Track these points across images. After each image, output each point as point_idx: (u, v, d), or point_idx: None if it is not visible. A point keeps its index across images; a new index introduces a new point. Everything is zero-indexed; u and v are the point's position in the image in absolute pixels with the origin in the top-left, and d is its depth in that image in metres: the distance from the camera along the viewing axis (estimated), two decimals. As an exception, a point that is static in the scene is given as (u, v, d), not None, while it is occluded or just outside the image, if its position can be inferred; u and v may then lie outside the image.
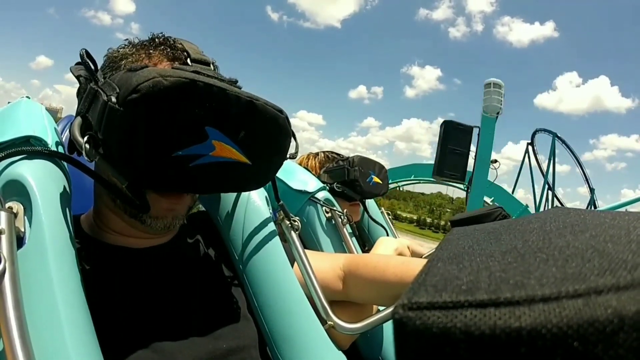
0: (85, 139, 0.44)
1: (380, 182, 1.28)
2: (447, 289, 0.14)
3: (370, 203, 1.43)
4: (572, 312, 0.11)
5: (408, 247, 0.97)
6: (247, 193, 0.69)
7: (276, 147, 0.53)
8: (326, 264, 0.71)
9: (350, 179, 1.17)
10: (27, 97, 0.63)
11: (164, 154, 0.43)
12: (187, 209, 0.58)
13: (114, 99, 0.41)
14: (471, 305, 0.13)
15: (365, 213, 1.36)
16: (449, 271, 0.16)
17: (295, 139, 0.60)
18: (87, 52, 0.48)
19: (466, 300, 0.13)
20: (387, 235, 1.40)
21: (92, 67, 0.49)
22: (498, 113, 3.46)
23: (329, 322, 0.62)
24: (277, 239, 0.67)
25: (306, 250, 0.68)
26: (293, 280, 0.63)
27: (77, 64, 0.52)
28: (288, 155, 0.59)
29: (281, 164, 0.57)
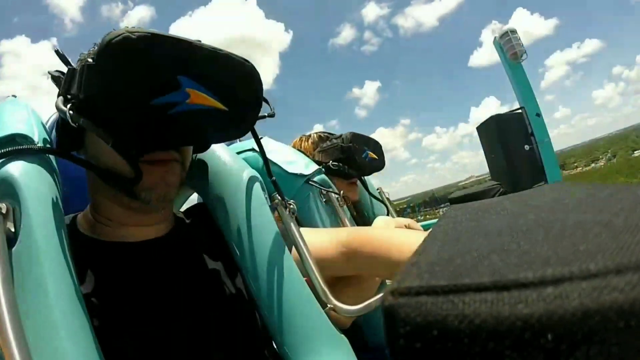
0: (69, 106, 0.47)
1: (376, 157, 1.27)
2: (442, 271, 0.12)
3: (369, 182, 1.42)
4: (591, 295, 0.10)
5: (406, 227, 0.96)
6: (241, 179, 0.68)
7: (247, 91, 0.55)
8: (328, 240, 0.70)
9: (345, 156, 1.16)
10: (14, 95, 0.63)
11: (142, 102, 0.46)
12: (179, 179, 0.58)
13: (90, 60, 0.45)
14: (470, 290, 0.11)
15: (365, 190, 1.35)
16: (446, 251, 0.14)
17: (268, 103, 0.63)
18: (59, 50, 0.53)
19: (464, 284, 0.11)
20: (387, 213, 1.39)
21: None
22: (522, 57, 3.26)
23: (329, 305, 0.61)
24: (273, 224, 0.66)
25: (308, 228, 0.67)
26: (291, 266, 0.62)
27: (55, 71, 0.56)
28: (266, 114, 0.63)
29: (258, 110, 0.58)
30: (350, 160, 1.17)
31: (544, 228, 0.16)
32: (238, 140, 1.07)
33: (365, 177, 1.37)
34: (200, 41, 0.51)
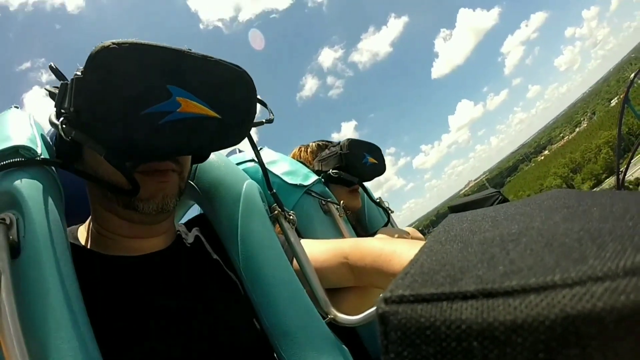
0: (61, 119, 0.48)
1: (376, 161, 1.26)
2: (432, 280, 0.13)
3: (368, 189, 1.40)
4: (571, 302, 0.10)
5: (409, 234, 0.96)
6: (241, 190, 0.68)
7: (240, 98, 0.55)
8: (328, 251, 0.69)
9: (345, 163, 1.15)
10: (16, 106, 0.63)
11: (133, 113, 0.46)
12: (178, 189, 0.58)
13: (79, 73, 0.46)
14: (457, 297, 0.11)
15: (368, 199, 1.33)
16: (437, 261, 0.15)
17: (266, 106, 0.64)
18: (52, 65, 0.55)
19: (451, 292, 0.12)
20: (388, 219, 1.38)
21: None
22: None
23: (330, 316, 0.61)
24: (273, 235, 0.66)
25: (309, 239, 0.67)
26: (292, 276, 0.62)
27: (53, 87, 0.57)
28: (264, 120, 0.62)
29: (252, 118, 0.58)
30: (350, 166, 1.15)
31: (534, 237, 0.16)
32: (238, 151, 1.07)
33: (366, 184, 1.35)
34: (190, 50, 0.51)
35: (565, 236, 0.16)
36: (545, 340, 0.10)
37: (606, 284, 0.10)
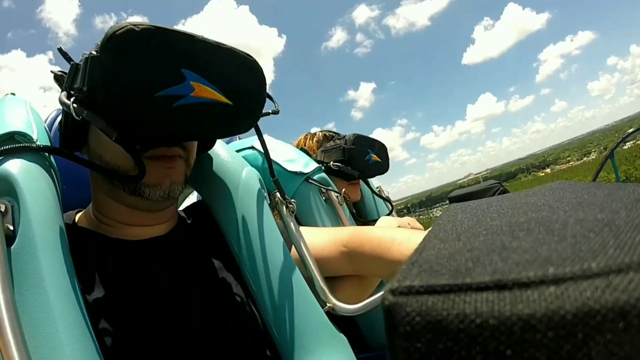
0: (72, 99, 0.48)
1: (380, 160, 1.26)
2: (443, 270, 0.12)
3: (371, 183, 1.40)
4: (593, 295, 0.10)
5: (409, 225, 0.96)
6: (240, 177, 0.68)
7: (251, 87, 0.55)
8: (328, 240, 0.69)
9: (346, 157, 1.16)
10: (12, 93, 0.63)
11: (146, 94, 0.46)
12: (184, 176, 0.58)
13: (94, 52, 0.46)
14: (471, 289, 0.11)
15: (370, 191, 1.34)
16: (446, 250, 0.14)
17: (272, 99, 0.65)
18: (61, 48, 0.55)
19: (464, 283, 0.11)
20: (392, 208, 1.38)
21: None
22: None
23: (329, 304, 0.61)
24: (272, 222, 0.65)
25: (308, 227, 0.67)
26: (290, 264, 0.62)
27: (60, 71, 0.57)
28: (270, 111, 0.63)
29: (261, 107, 0.59)
30: (352, 162, 1.16)
31: (544, 227, 0.16)
32: (238, 138, 1.06)
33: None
34: (203, 36, 0.51)
35: (577, 226, 0.15)
36: (566, 335, 0.09)
37: (629, 276, 0.10)
